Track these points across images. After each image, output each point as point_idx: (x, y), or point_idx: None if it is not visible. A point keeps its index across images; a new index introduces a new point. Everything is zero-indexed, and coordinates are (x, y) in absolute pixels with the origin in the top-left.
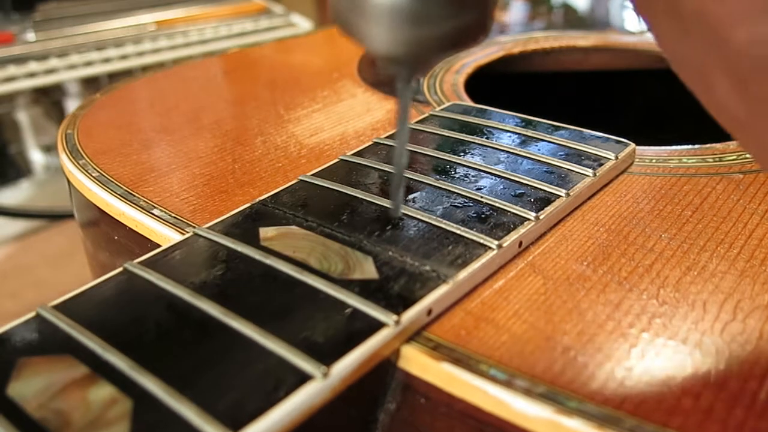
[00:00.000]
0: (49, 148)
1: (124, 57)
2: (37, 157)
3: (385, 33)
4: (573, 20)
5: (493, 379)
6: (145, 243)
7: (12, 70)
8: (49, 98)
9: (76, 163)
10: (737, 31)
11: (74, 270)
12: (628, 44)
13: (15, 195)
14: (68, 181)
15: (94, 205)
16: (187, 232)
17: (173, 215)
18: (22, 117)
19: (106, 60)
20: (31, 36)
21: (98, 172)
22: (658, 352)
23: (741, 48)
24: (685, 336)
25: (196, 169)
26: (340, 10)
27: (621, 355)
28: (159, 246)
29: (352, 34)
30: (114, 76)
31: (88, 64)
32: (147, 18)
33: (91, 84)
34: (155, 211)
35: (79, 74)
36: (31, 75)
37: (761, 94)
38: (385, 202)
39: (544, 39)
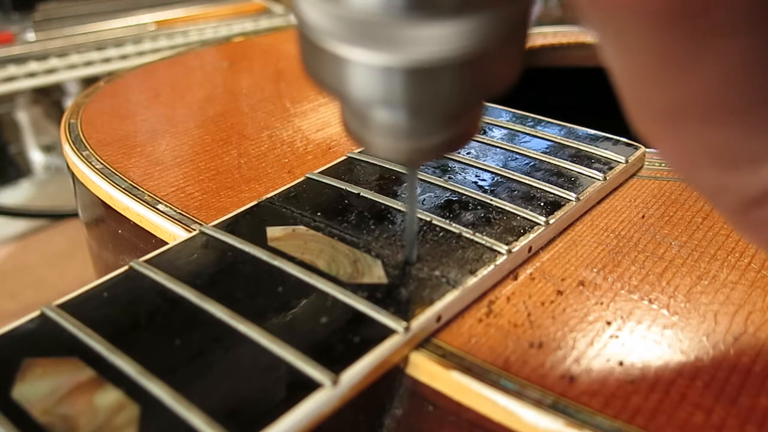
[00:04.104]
0: (49, 148)
1: (124, 57)
2: (37, 157)
3: (387, 144)
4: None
5: (504, 389)
6: (149, 238)
7: (12, 70)
8: (49, 98)
9: (79, 155)
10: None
11: (74, 270)
12: None
13: (15, 195)
14: (71, 172)
15: (98, 198)
16: (193, 230)
17: (178, 211)
18: (22, 117)
19: (106, 60)
20: (31, 36)
21: (102, 164)
22: (669, 365)
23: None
24: (696, 349)
25: (202, 164)
26: (349, 122)
27: (632, 367)
28: (164, 242)
29: (358, 142)
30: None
31: (88, 64)
32: (147, 18)
33: (91, 84)
34: (160, 206)
35: (79, 74)
36: (31, 75)
37: None
38: (393, 203)
39: (552, 35)
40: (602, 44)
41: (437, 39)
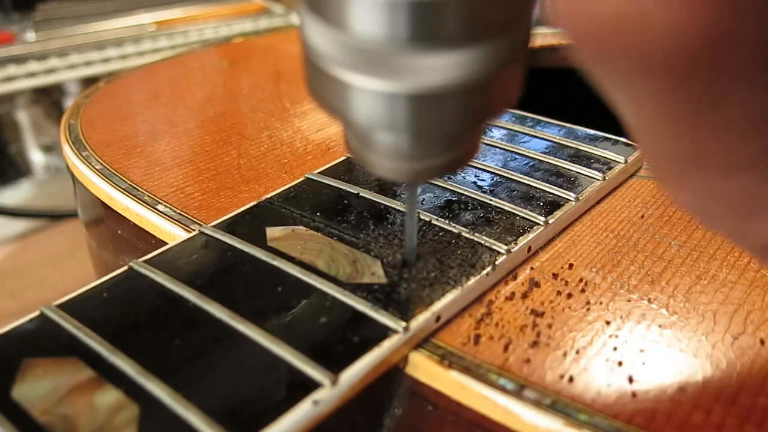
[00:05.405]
0: (49, 148)
1: (124, 57)
2: (37, 157)
3: (388, 165)
4: None
5: (503, 389)
6: (149, 239)
7: (12, 70)
8: (49, 98)
9: (79, 155)
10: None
11: (74, 270)
12: None
13: (15, 195)
14: (71, 173)
15: (98, 198)
16: (193, 230)
17: (178, 211)
18: (22, 117)
19: (106, 60)
20: (31, 36)
21: (102, 164)
22: (668, 365)
23: None
24: (695, 348)
25: (202, 164)
26: (351, 142)
27: (631, 366)
28: (163, 242)
29: (360, 161)
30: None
31: (88, 64)
32: (147, 18)
33: (91, 84)
34: (160, 207)
35: (79, 74)
36: (31, 75)
37: None
38: (392, 203)
39: (552, 35)
40: (612, 98)
41: (441, 68)
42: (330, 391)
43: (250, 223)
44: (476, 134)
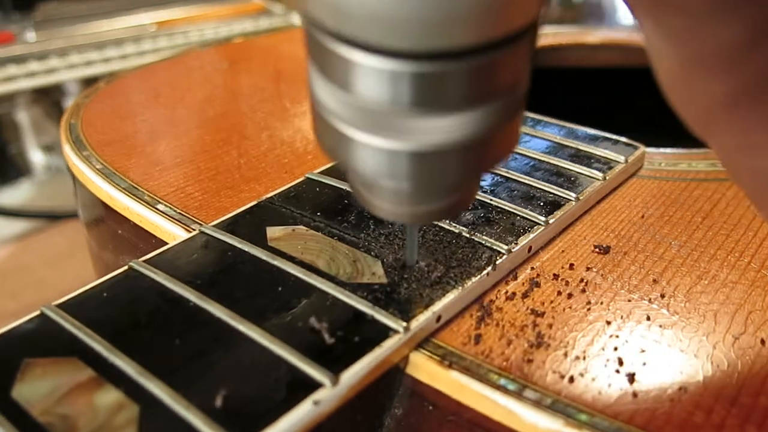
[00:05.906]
0: (49, 148)
1: (124, 57)
2: (37, 157)
3: (390, 209)
4: (568, 9)
5: (504, 390)
6: (149, 239)
7: (12, 70)
8: (49, 98)
9: (79, 155)
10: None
11: (74, 270)
12: (636, 41)
13: (15, 195)
14: (72, 173)
15: (98, 198)
16: (193, 230)
17: (178, 211)
18: (22, 117)
19: (106, 60)
20: (31, 36)
21: (102, 164)
22: (668, 365)
23: None
24: (696, 348)
25: (202, 164)
26: (354, 184)
27: (631, 366)
28: (164, 242)
29: (362, 202)
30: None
31: (88, 64)
32: (147, 18)
33: (91, 84)
34: (160, 206)
35: (79, 74)
36: (31, 75)
37: None
38: None
39: (552, 35)
40: (655, 42)
41: (442, 129)
42: (330, 391)
43: (251, 223)
44: (477, 180)
